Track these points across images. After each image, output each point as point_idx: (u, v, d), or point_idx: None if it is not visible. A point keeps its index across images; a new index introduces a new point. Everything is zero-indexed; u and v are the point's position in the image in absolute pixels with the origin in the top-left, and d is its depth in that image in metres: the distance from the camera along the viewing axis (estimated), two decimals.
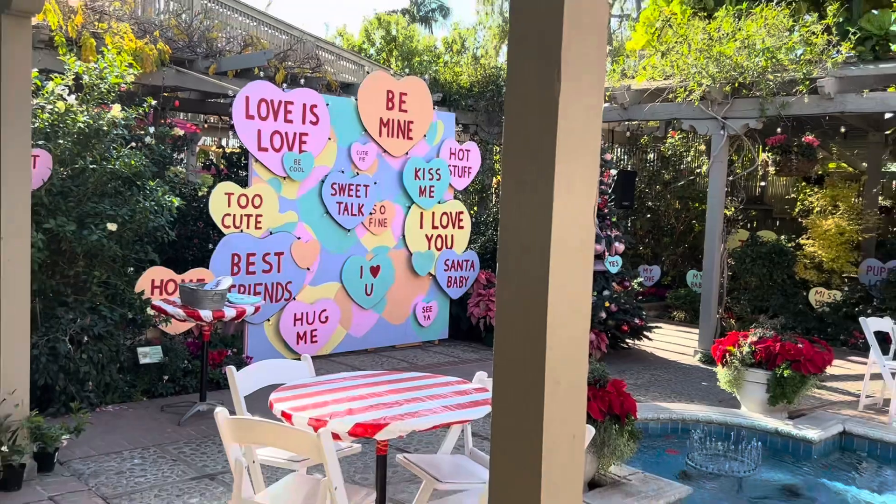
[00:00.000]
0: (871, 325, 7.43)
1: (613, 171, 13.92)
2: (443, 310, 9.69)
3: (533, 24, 1.87)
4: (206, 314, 6.01)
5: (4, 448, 4.60)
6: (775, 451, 6.30)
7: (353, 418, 3.34)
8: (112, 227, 6.59)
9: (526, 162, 1.91)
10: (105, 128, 6.86)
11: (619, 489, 4.92)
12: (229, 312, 6.19)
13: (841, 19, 9.93)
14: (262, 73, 9.15)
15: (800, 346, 6.76)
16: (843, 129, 11.55)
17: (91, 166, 6.68)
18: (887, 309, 10.03)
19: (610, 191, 12.46)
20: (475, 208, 11.66)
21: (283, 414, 3.44)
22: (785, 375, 6.63)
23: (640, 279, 13.44)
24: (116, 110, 7.02)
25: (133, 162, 6.83)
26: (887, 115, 11.31)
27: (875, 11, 10.71)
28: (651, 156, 14.33)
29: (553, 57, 1.79)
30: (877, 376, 7.49)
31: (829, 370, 9.06)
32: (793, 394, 6.68)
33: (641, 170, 14.23)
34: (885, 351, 7.39)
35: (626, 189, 13.59)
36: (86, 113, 6.79)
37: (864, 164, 12.48)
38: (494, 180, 12.35)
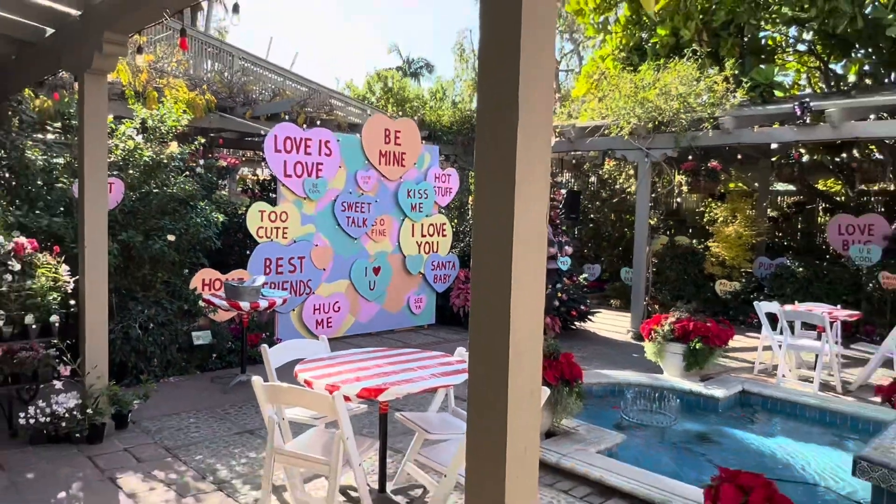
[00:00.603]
0: (763, 308, 7.45)
1: (563, 191, 14.01)
2: (430, 301, 9.69)
3: (497, 78, 1.91)
4: (245, 305, 6.01)
5: (90, 410, 4.65)
6: (690, 407, 6.28)
7: (360, 384, 3.37)
8: (171, 238, 6.61)
9: (493, 182, 1.95)
10: (165, 161, 6.87)
11: (570, 437, 4.95)
12: (263, 303, 6.19)
13: (736, 71, 10.05)
14: (286, 117, 9.13)
15: (708, 324, 6.75)
16: (739, 157, 11.64)
17: (154, 191, 6.69)
18: (775, 295, 10.08)
19: (561, 206, 12.54)
20: (455, 220, 11.64)
21: (306, 381, 3.46)
22: (697, 348, 6.64)
23: (585, 275, 13.44)
24: (174, 147, 7.04)
25: (187, 187, 6.84)
26: (773, 146, 11.46)
27: (762, 66, 10.89)
28: (592, 178, 14.39)
29: (512, 103, 1.83)
30: (767, 348, 7.56)
31: (731, 343, 9.15)
32: (703, 362, 6.69)
33: (585, 189, 14.28)
34: (773, 328, 7.45)
35: (574, 204, 13.63)
36: (150, 149, 6.79)
37: (756, 183, 12.60)
38: (470, 198, 12.32)
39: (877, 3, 10.06)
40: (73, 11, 4.74)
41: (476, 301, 2.11)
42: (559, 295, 9.23)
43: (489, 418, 1.99)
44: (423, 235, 9.43)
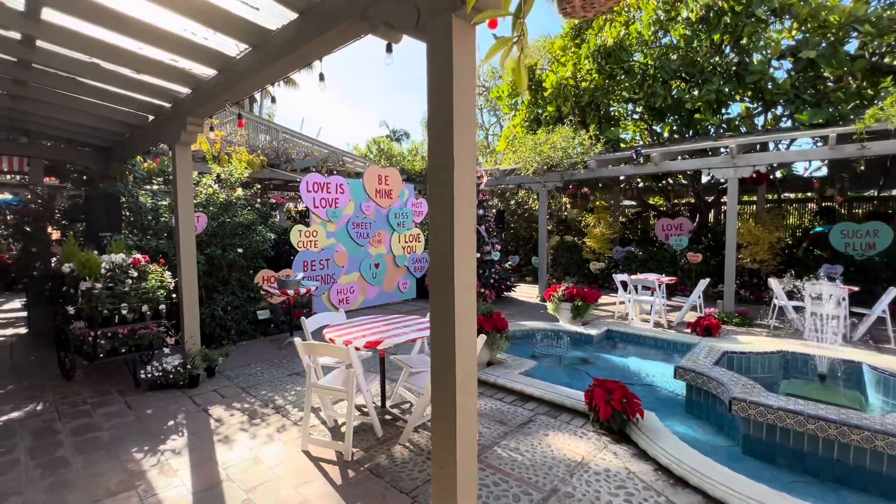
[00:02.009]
0: (618, 278, 7.57)
1: (494, 210, 14.05)
2: (413, 283, 9.61)
3: (440, 147, 1.90)
4: (290, 292, 5.88)
5: (188, 366, 4.50)
6: (576, 342, 6.33)
7: (365, 339, 3.33)
8: (240, 250, 6.40)
9: (441, 203, 1.95)
10: (234, 200, 6.65)
11: (502, 365, 4.97)
12: (302, 290, 6.05)
13: (597, 132, 10.24)
14: (313, 169, 8.93)
15: (585, 290, 6.86)
16: (600, 185, 11.82)
17: (227, 220, 6.49)
18: (625, 270, 10.31)
19: (493, 220, 12.58)
20: (427, 231, 11.57)
21: (330, 339, 3.41)
22: (579, 304, 6.73)
23: (510, 262, 13.55)
24: (239, 191, 6.82)
25: (249, 217, 6.64)
26: (621, 178, 11.71)
27: (612, 129, 11.11)
28: (512, 202, 14.48)
29: (449, 163, 1.83)
30: (622, 303, 7.71)
31: (600, 301, 9.35)
32: (583, 313, 6.77)
33: (507, 209, 14.35)
34: (625, 290, 7.58)
35: (500, 219, 13.66)
36: (223, 193, 6.57)
37: (612, 201, 12.86)
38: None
39: (679, 88, 10.38)
40: (167, 104, 4.56)
41: (432, 276, 2.09)
42: (493, 276, 9.26)
43: (443, 355, 1.99)
44: (406, 242, 9.35)
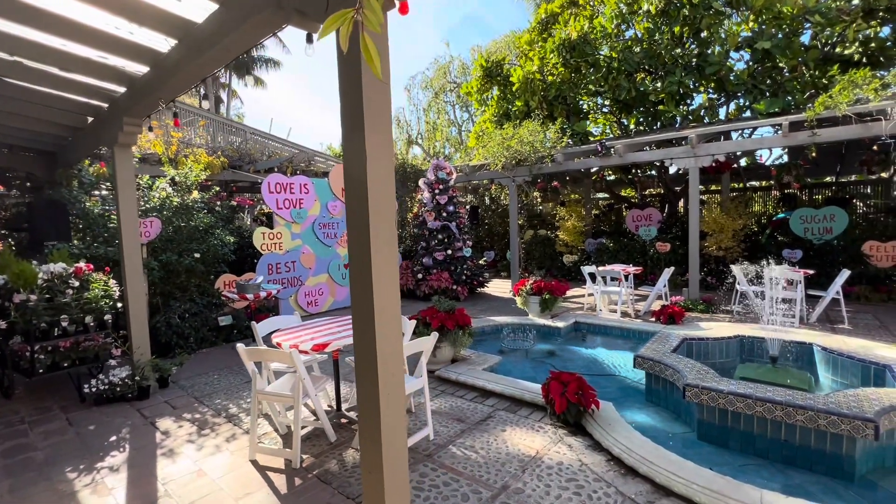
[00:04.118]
0: (586, 269, 7.58)
1: (468, 207, 14.03)
2: None
3: (352, 145, 1.81)
4: (249, 296, 5.73)
5: (137, 377, 4.30)
6: (544, 335, 6.33)
7: (313, 341, 3.23)
8: (197, 255, 6.19)
9: (356, 199, 1.87)
10: (190, 203, 6.43)
11: (466, 361, 4.93)
12: (262, 294, 5.90)
13: (565, 125, 10.29)
14: (276, 169, 8.72)
15: (552, 283, 6.88)
16: (567, 178, 11.88)
17: (182, 225, 6.27)
18: (597, 262, 10.39)
19: (467, 216, 12.55)
20: (399, 230, 11.45)
21: (277, 343, 3.29)
22: (546, 298, 6.75)
23: (484, 258, 13.56)
24: (195, 194, 6.60)
25: (205, 221, 6.42)
26: (593, 170, 11.80)
27: (581, 122, 11.18)
28: (486, 198, 14.47)
29: (362, 153, 1.75)
30: (591, 294, 7.76)
31: (570, 294, 9.40)
32: (551, 306, 6.79)
33: (481, 204, 14.34)
34: (594, 281, 7.62)
35: (474, 215, 13.68)
36: (178, 197, 6.35)
37: (584, 194, 12.96)
38: (409, 214, 12.11)
39: (643, 80, 10.51)
40: (104, 104, 4.35)
41: (353, 271, 1.98)
42: (465, 273, 9.22)
43: (366, 360, 1.91)
44: None
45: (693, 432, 3.58)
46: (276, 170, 8.82)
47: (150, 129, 4.03)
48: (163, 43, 3.22)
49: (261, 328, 3.83)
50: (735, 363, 4.71)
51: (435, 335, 3.40)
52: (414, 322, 3.93)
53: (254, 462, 3.12)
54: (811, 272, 6.64)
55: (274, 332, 3.72)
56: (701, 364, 3.91)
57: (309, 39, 2.12)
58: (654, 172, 12.23)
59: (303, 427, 3.55)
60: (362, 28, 0.92)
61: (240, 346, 3.05)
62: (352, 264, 1.94)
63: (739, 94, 10.04)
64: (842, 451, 2.95)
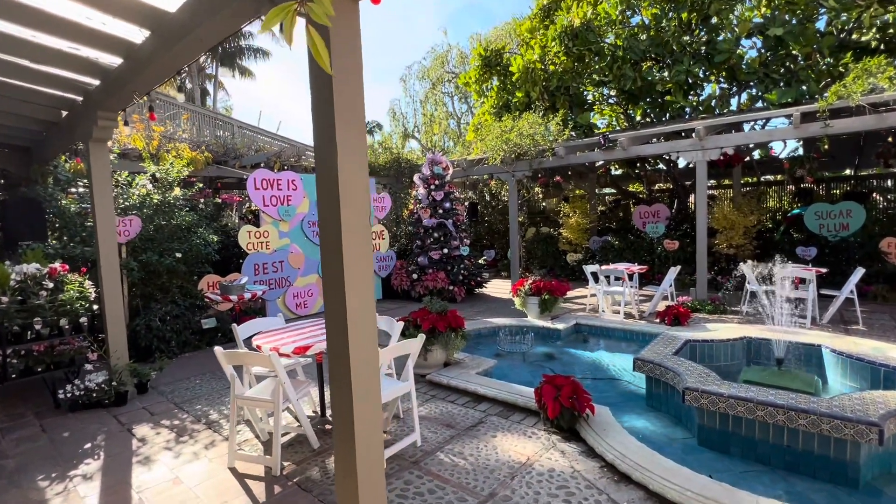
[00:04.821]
0: (588, 268, 7.61)
1: (466, 204, 14.05)
2: (377, 283, 9.54)
3: (324, 139, 1.83)
4: (233, 297, 5.77)
5: (115, 382, 4.35)
6: (543, 338, 6.36)
7: (294, 344, 3.27)
8: (178, 255, 6.24)
9: (327, 192, 1.90)
10: (171, 201, 6.48)
11: (458, 365, 4.96)
12: (247, 295, 5.95)
13: (567, 118, 10.31)
14: (263, 165, 8.75)
15: (552, 282, 6.89)
16: (569, 172, 11.88)
17: (163, 223, 6.31)
18: (602, 260, 10.40)
19: (465, 213, 12.54)
20: (394, 227, 11.48)
21: (257, 346, 3.33)
22: (546, 298, 6.76)
23: (484, 257, 13.58)
24: (177, 191, 6.64)
25: (187, 219, 6.47)
26: (598, 164, 11.81)
27: (584, 113, 11.20)
28: (485, 193, 14.48)
29: (333, 148, 1.78)
30: (594, 295, 7.78)
31: (572, 294, 9.43)
32: (551, 307, 6.80)
33: (481, 201, 14.35)
34: (597, 281, 7.64)
35: (473, 212, 13.70)
36: (159, 194, 6.40)
37: (589, 189, 12.97)
38: (404, 212, 12.14)
39: (649, 69, 10.51)
40: (78, 98, 4.39)
41: (324, 283, 2.00)
42: (462, 272, 9.25)
43: (339, 364, 1.93)
44: None
45: (693, 438, 3.61)
46: (262, 165, 8.85)
47: (126, 123, 4.07)
48: (136, 33, 3.26)
49: (242, 330, 3.87)
50: (741, 366, 4.73)
51: (422, 337, 3.43)
52: (402, 324, 3.97)
53: (232, 469, 3.16)
54: (824, 270, 6.65)
55: (256, 334, 3.76)
56: (703, 367, 3.93)
57: (283, 29, 2.15)
58: (662, 166, 12.24)
59: (285, 433, 3.59)
60: (308, 21, 0.94)
61: (217, 349, 3.09)
62: (324, 263, 1.98)
63: (752, 84, 10.04)
64: (846, 457, 2.98)
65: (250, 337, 3.87)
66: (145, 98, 3.60)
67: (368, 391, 1.95)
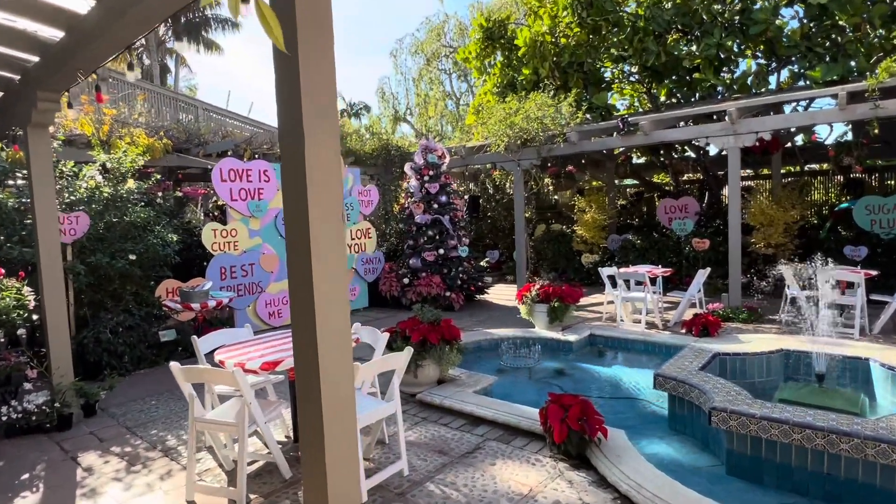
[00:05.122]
0: (605, 272, 7.63)
1: (466, 197, 14.10)
2: (363, 289, 9.56)
3: (288, 113, 1.85)
4: (196, 306, 5.79)
5: (57, 404, 4.37)
6: (552, 351, 6.38)
7: (262, 359, 3.28)
8: (132, 257, 6.26)
9: (295, 190, 1.91)
10: (124, 195, 6.49)
11: (454, 383, 4.98)
12: (211, 303, 5.97)
13: (581, 98, 10.34)
14: (230, 153, 8.76)
15: (563, 287, 6.91)
16: (583, 161, 11.90)
17: (114, 220, 6.33)
18: (622, 262, 10.41)
19: (465, 208, 12.57)
20: (383, 225, 11.50)
21: (220, 362, 3.35)
22: (556, 305, 6.79)
23: (487, 259, 13.61)
24: (131, 183, 6.66)
25: (142, 215, 6.49)
26: (616, 151, 11.84)
27: (601, 93, 11.24)
28: (488, 185, 14.51)
29: (298, 125, 1.79)
30: (611, 302, 7.76)
31: (590, 300, 9.45)
32: (562, 316, 6.82)
33: (483, 193, 14.38)
34: (615, 286, 7.64)
35: (475, 206, 13.78)
36: (110, 187, 6.41)
37: (607, 180, 13.00)
38: (395, 207, 12.16)
39: (678, 43, 10.56)
40: (15, 76, 4.40)
41: (290, 287, 2.01)
42: (461, 276, 9.26)
43: (307, 382, 1.93)
44: (352, 239, 9.28)
45: (722, 465, 3.63)
46: (230, 153, 8.87)
47: (71, 105, 4.08)
48: (80, 3, 3.27)
49: (203, 343, 3.88)
50: (777, 383, 4.75)
51: (409, 350, 3.45)
52: (387, 336, 3.98)
53: (191, 503, 3.17)
54: (874, 273, 6.68)
55: (219, 348, 3.77)
56: (733, 384, 3.96)
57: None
58: (691, 154, 12.28)
59: (252, 462, 3.60)
60: None
61: (174, 364, 3.10)
62: (290, 265, 1.99)
63: (792, 60, 10.09)
64: (894, 486, 3.00)
65: (213, 351, 3.87)
66: (95, 76, 3.61)
67: (342, 413, 1.97)
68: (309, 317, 1.87)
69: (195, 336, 3.81)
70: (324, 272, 1.87)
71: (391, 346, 4.79)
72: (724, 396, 3.70)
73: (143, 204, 6.84)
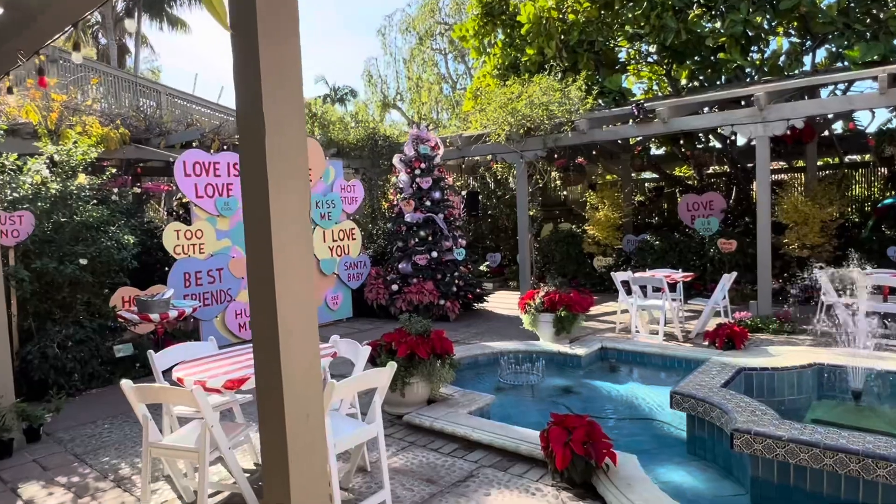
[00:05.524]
0: (618, 276, 7.60)
1: (463, 193, 14.12)
2: (346, 297, 9.56)
3: (246, 96, 1.85)
4: (155, 316, 5.78)
5: None
6: (558, 366, 6.39)
7: (226, 377, 3.28)
8: (83, 261, 6.24)
9: (255, 183, 1.92)
10: (74, 191, 6.49)
11: (446, 403, 4.96)
12: (172, 313, 5.95)
13: (592, 81, 10.38)
14: (195, 144, 8.77)
15: (570, 294, 6.91)
16: (594, 152, 11.93)
17: (63, 220, 6.32)
18: (638, 265, 10.43)
19: (463, 206, 12.59)
20: (370, 225, 11.52)
21: (178, 379, 3.34)
22: (563, 315, 6.77)
23: (487, 263, 13.66)
24: (82, 178, 6.65)
25: (95, 214, 6.48)
26: (631, 141, 11.89)
27: (614, 76, 11.29)
28: (489, 179, 14.54)
29: (258, 109, 1.80)
30: (626, 311, 7.75)
31: (602, 308, 9.48)
32: (570, 327, 6.80)
33: (483, 189, 14.41)
34: (629, 293, 7.64)
35: (473, 203, 13.80)
36: (59, 183, 6.41)
37: (622, 174, 13.03)
38: (383, 204, 12.20)
39: (700, 20, 10.61)
40: None
41: (250, 294, 2.01)
42: (456, 282, 9.27)
43: (270, 401, 1.92)
44: (334, 240, 9.30)
45: (746, 494, 3.64)
46: (195, 144, 8.86)
47: (11, 91, 4.08)
48: None
49: (160, 359, 3.88)
50: (809, 401, 4.77)
51: (393, 365, 3.45)
52: (369, 349, 3.99)
53: None
54: None
55: (179, 364, 3.76)
56: (758, 403, 3.97)
57: None
58: (716, 144, 12.34)
59: (215, 492, 3.60)
60: None
61: (125, 382, 3.10)
62: (249, 268, 1.99)
63: (829, 38, 10.15)
64: None
65: (172, 367, 3.87)
66: (43, 58, 3.62)
67: (310, 437, 1.97)
68: (270, 325, 1.88)
69: (151, 351, 3.81)
70: (287, 274, 1.88)
71: (375, 362, 4.80)
72: (748, 416, 3.71)
73: (96, 202, 6.83)
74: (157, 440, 3.27)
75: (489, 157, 12.78)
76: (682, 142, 12.23)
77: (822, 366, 4.99)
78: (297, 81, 1.89)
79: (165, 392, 3.08)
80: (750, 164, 11.73)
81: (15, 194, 6.12)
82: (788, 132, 7.67)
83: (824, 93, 10.14)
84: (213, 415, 3.11)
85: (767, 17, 9.97)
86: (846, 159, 12.86)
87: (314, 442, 2.01)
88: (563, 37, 11.39)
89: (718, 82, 11.58)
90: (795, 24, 10.40)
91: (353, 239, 9.63)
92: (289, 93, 1.85)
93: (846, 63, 9.65)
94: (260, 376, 2.00)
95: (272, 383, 1.91)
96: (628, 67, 12.63)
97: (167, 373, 3.86)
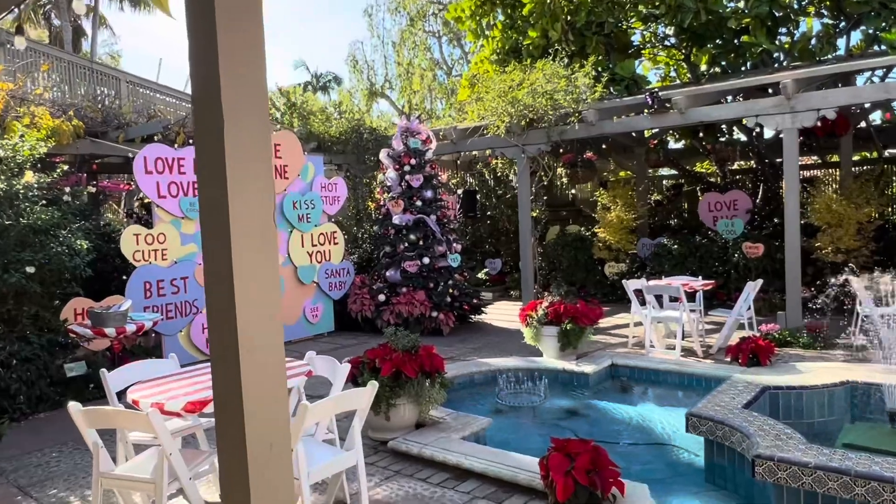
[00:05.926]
0: (631, 285, 7.63)
1: (459, 192, 14.17)
2: (328, 309, 9.57)
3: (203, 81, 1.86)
4: (110, 331, 5.79)
5: None
6: (563, 385, 6.40)
7: (187, 398, 3.28)
8: (30, 269, 6.23)
9: (214, 183, 1.92)
10: (20, 191, 6.48)
11: (436, 427, 4.95)
12: (130, 328, 5.96)
13: (602, 67, 10.44)
14: (158, 138, 8.80)
15: (577, 305, 6.91)
16: (604, 146, 11.97)
17: (8, 223, 6.31)
18: (654, 272, 10.47)
19: (458, 206, 12.63)
20: (354, 228, 11.54)
21: (133, 401, 3.34)
22: (569, 328, 6.78)
23: (486, 270, 13.68)
24: (30, 176, 6.65)
25: (44, 217, 6.48)
26: (646, 134, 11.95)
27: (626, 61, 11.37)
28: (487, 176, 14.58)
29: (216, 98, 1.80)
30: (639, 323, 7.77)
31: (613, 320, 9.51)
32: (576, 341, 6.81)
33: (482, 187, 14.44)
34: (643, 304, 7.64)
35: (471, 203, 13.85)
36: (2, 181, 6.40)
37: (636, 170, 13.09)
38: (370, 204, 12.24)
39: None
40: None
41: (207, 305, 2.01)
42: (451, 291, 9.29)
43: (228, 425, 1.91)
44: (313, 245, 9.31)
45: None
46: (158, 138, 8.90)
47: None
48: None
49: (114, 378, 3.88)
50: (842, 423, 4.80)
51: (374, 385, 3.46)
52: (349, 367, 4.00)
53: None
54: None
55: (136, 384, 3.77)
56: (783, 425, 3.99)
57: None
58: (742, 136, 12.41)
59: None
60: None
61: (73, 405, 3.10)
62: (206, 276, 2.00)
63: (865, 19, 10.25)
64: None
65: (128, 387, 3.87)
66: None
67: (275, 468, 1.97)
68: (230, 340, 1.88)
69: (104, 370, 3.81)
70: (248, 280, 1.87)
71: (356, 381, 4.80)
72: (771, 441, 3.73)
73: (45, 202, 6.83)
74: (110, 470, 3.27)
75: (488, 152, 12.82)
76: (702, 134, 12.29)
77: (856, 384, 5.02)
78: (260, 58, 1.89)
79: (118, 416, 3.09)
80: (778, 160, 11.80)
81: None
82: (819, 124, 7.73)
83: (860, 80, 10.23)
84: (172, 441, 3.12)
85: None
86: (885, 153, 12.98)
87: (279, 474, 2.00)
88: (569, 17, 11.46)
89: (742, 68, 11.67)
90: (828, 3, 10.50)
91: (336, 243, 9.65)
92: (249, 76, 1.85)
93: (883, 47, 9.75)
94: (217, 398, 2.00)
95: (230, 407, 1.91)
96: (642, 52, 12.71)
97: (122, 394, 3.86)
